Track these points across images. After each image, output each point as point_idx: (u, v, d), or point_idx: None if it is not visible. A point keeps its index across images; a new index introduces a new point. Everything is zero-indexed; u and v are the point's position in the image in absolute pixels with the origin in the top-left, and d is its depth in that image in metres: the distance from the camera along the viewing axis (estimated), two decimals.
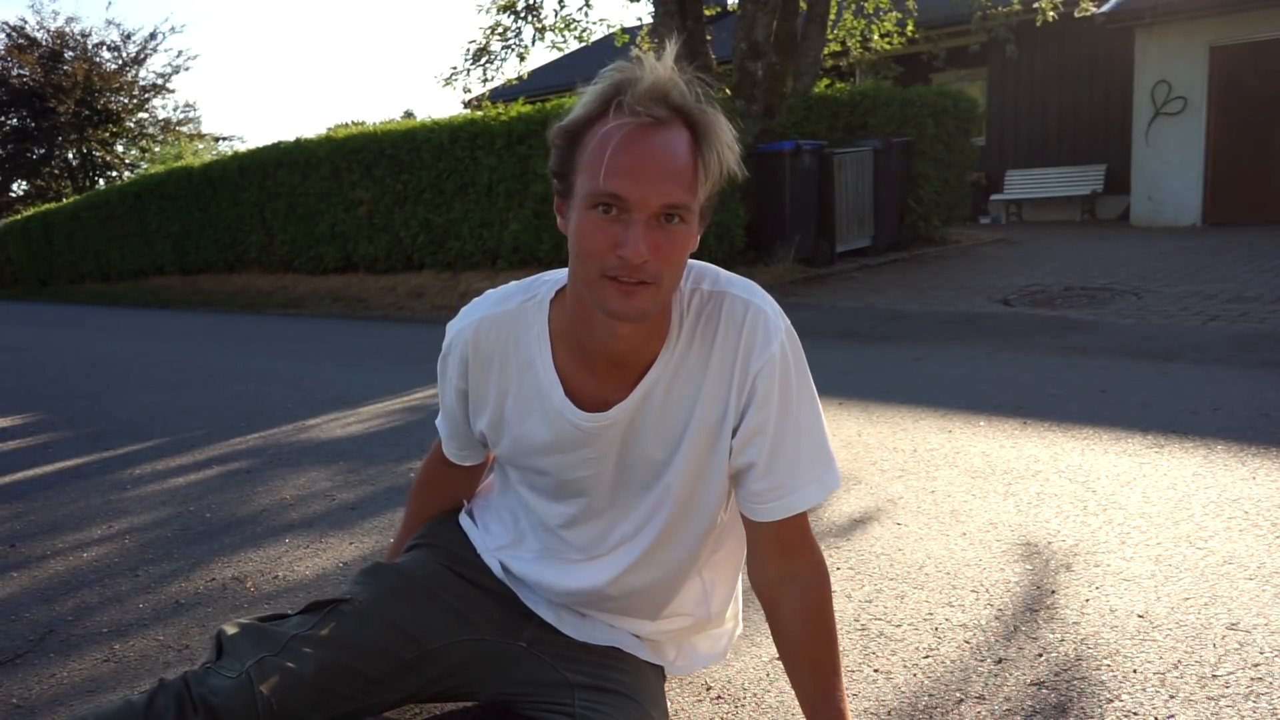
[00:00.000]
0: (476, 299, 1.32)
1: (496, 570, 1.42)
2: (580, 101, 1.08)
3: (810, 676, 1.23)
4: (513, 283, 1.31)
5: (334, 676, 1.25)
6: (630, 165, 1.03)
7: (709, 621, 1.46)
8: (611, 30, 11.84)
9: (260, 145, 11.28)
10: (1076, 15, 10.17)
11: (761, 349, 1.19)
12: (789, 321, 1.24)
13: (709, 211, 1.13)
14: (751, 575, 1.30)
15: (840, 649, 1.26)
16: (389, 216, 9.58)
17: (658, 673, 1.42)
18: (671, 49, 1.09)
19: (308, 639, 1.28)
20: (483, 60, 11.70)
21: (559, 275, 1.26)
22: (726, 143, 1.09)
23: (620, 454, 1.26)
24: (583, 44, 11.39)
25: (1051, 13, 10.00)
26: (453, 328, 1.31)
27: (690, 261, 1.22)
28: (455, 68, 12.12)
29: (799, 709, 1.25)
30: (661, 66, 1.06)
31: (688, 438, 1.24)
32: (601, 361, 1.21)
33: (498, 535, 1.45)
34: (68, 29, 25.64)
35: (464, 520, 1.51)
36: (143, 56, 26.23)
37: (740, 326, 1.19)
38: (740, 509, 1.29)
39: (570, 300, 1.20)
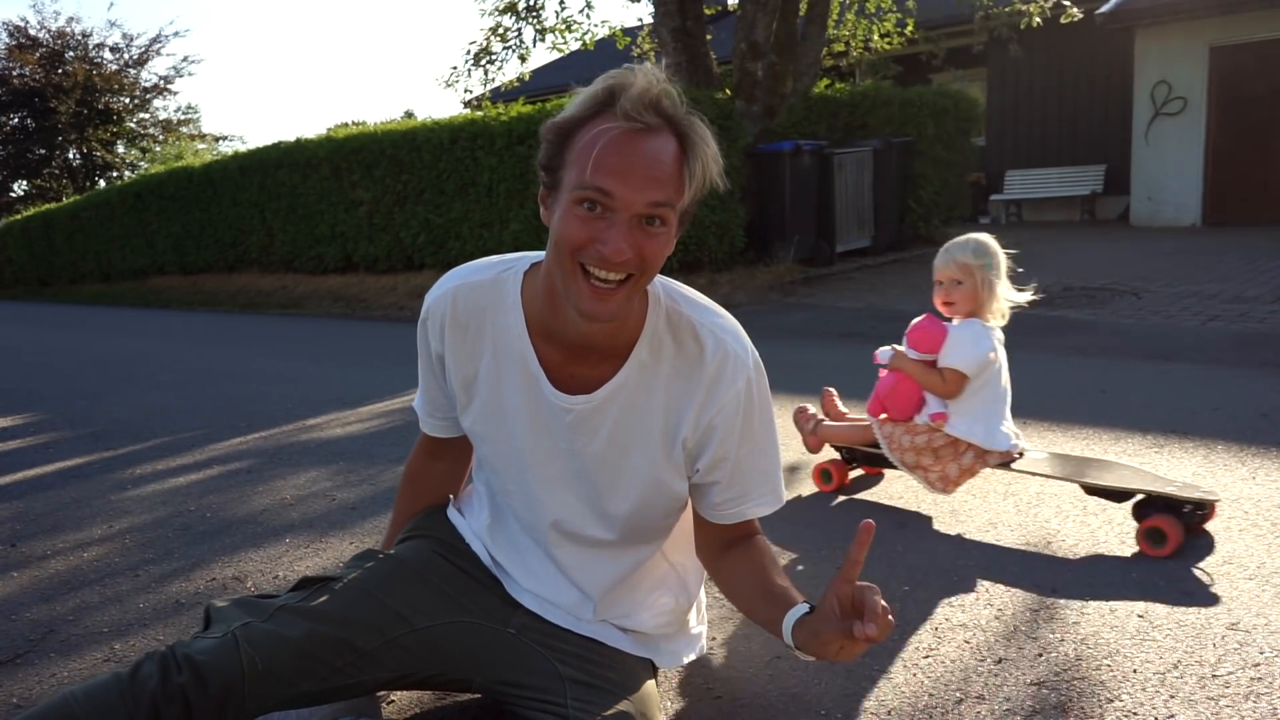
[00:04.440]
0: (452, 270, 1.37)
1: (484, 558, 1.45)
2: (574, 101, 1.13)
3: (757, 577, 1.31)
4: (490, 257, 1.36)
5: (321, 645, 1.26)
6: (619, 165, 1.08)
7: (689, 605, 1.50)
8: (613, 31, 11.81)
9: (260, 145, 11.29)
10: (1063, 21, 10.13)
11: (730, 383, 1.26)
12: (757, 354, 1.31)
13: (687, 219, 1.18)
14: (698, 547, 1.43)
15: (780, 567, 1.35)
16: (389, 216, 9.58)
17: (646, 666, 1.42)
18: (664, 62, 1.14)
19: (296, 609, 1.29)
20: (483, 61, 11.68)
21: (535, 254, 1.32)
22: (711, 154, 1.14)
23: (570, 441, 1.30)
24: (586, 48, 11.36)
25: (1038, 19, 9.99)
26: (430, 296, 1.36)
27: (671, 281, 1.31)
28: (455, 68, 12.11)
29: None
30: (655, 75, 1.10)
31: (645, 446, 1.29)
32: (565, 341, 1.26)
33: (478, 513, 1.50)
34: (69, 29, 25.69)
35: (451, 513, 1.55)
36: (145, 58, 26.27)
37: (711, 357, 1.26)
38: (695, 507, 1.38)
39: (542, 282, 1.25)
